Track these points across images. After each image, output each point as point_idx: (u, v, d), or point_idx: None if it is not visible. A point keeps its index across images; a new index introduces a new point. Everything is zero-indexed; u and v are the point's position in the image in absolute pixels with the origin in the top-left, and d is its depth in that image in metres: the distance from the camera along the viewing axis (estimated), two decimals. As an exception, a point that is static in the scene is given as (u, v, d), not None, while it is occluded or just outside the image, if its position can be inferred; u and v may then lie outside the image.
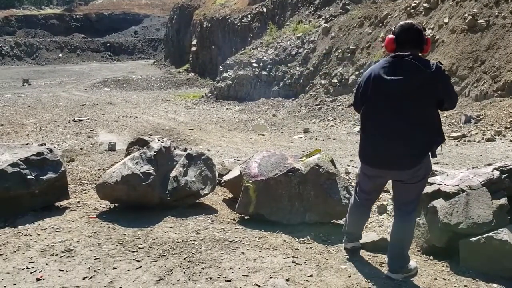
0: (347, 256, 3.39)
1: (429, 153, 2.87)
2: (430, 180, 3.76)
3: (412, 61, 2.76)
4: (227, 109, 17.84)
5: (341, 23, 17.70)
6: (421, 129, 2.81)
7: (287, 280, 2.85)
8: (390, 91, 2.83)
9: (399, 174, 2.94)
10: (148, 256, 3.21)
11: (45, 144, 5.62)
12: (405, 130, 2.82)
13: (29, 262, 3.10)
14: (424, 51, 2.90)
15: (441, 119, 9.99)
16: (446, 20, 13.35)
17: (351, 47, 16.07)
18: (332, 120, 13.71)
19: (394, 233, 3.06)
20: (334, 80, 15.91)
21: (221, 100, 19.54)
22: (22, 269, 3.02)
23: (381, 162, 2.97)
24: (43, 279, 2.88)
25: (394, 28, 2.95)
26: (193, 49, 30.55)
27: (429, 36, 2.98)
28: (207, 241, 3.48)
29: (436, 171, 4.17)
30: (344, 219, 4.21)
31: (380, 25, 15.88)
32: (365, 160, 3.08)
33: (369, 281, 2.98)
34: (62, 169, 4.25)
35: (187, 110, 17.68)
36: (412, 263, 3.10)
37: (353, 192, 3.39)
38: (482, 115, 10.46)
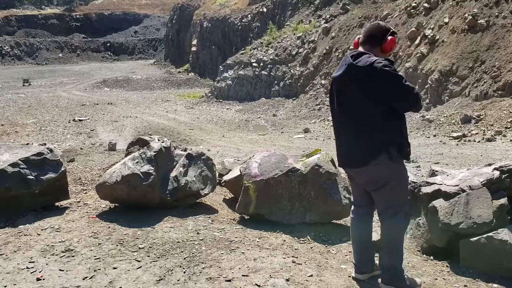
0: (347, 256, 3.39)
1: (389, 157, 2.68)
2: (430, 180, 3.76)
3: (348, 57, 2.73)
4: (227, 109, 17.84)
5: (341, 23, 17.70)
6: (366, 127, 2.70)
7: (287, 280, 2.85)
8: (336, 88, 2.85)
9: (356, 174, 2.87)
10: (148, 256, 3.21)
11: (45, 144, 5.63)
12: (350, 126, 2.77)
13: (29, 262, 3.11)
14: (384, 52, 2.77)
15: (442, 119, 9.80)
16: (446, 20, 13.35)
17: (351, 47, 16.06)
18: (332, 120, 13.70)
19: (381, 239, 2.93)
20: (334, 80, 15.90)
21: (221, 100, 19.55)
22: (22, 269, 3.02)
23: (341, 160, 2.93)
24: (43, 279, 2.88)
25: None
26: (193, 49, 30.56)
27: (389, 37, 2.89)
28: (207, 241, 3.48)
29: (436, 171, 4.16)
30: (343, 220, 4.21)
31: (380, 25, 15.88)
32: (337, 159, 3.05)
33: (369, 281, 2.98)
34: (62, 169, 4.25)
35: (187, 110, 17.68)
36: (413, 282, 2.88)
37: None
38: (482, 115, 10.46)
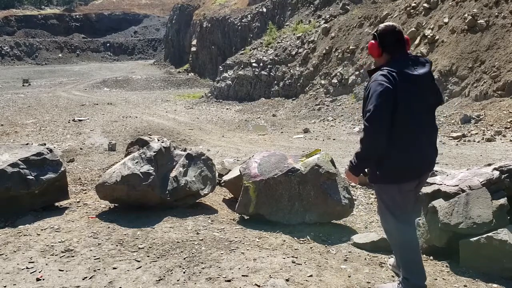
0: (347, 256, 3.39)
1: None
2: (430, 180, 3.75)
3: (422, 58, 2.75)
4: (227, 109, 17.84)
5: (341, 23, 17.70)
6: (436, 127, 2.86)
7: (287, 280, 2.85)
8: (419, 87, 2.63)
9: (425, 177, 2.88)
10: (148, 256, 3.21)
11: (45, 144, 5.63)
12: (431, 128, 2.78)
13: (29, 262, 3.10)
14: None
15: (441, 119, 9.79)
16: (446, 20, 13.35)
17: (351, 47, 16.06)
18: (332, 120, 13.71)
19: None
20: (334, 80, 15.91)
21: (221, 100, 19.54)
22: (22, 269, 3.02)
23: (425, 165, 2.75)
24: (43, 279, 2.88)
25: (377, 33, 2.79)
26: (193, 49, 30.58)
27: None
28: (207, 241, 3.48)
29: (436, 171, 4.17)
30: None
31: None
32: (408, 175, 2.69)
33: (369, 281, 2.98)
34: (62, 169, 4.25)
35: (187, 110, 17.68)
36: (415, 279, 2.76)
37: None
38: (482, 115, 10.46)
